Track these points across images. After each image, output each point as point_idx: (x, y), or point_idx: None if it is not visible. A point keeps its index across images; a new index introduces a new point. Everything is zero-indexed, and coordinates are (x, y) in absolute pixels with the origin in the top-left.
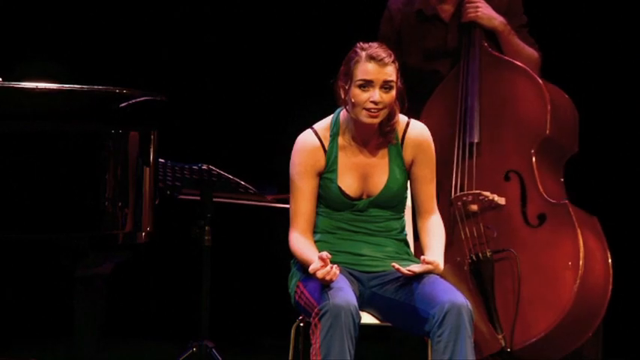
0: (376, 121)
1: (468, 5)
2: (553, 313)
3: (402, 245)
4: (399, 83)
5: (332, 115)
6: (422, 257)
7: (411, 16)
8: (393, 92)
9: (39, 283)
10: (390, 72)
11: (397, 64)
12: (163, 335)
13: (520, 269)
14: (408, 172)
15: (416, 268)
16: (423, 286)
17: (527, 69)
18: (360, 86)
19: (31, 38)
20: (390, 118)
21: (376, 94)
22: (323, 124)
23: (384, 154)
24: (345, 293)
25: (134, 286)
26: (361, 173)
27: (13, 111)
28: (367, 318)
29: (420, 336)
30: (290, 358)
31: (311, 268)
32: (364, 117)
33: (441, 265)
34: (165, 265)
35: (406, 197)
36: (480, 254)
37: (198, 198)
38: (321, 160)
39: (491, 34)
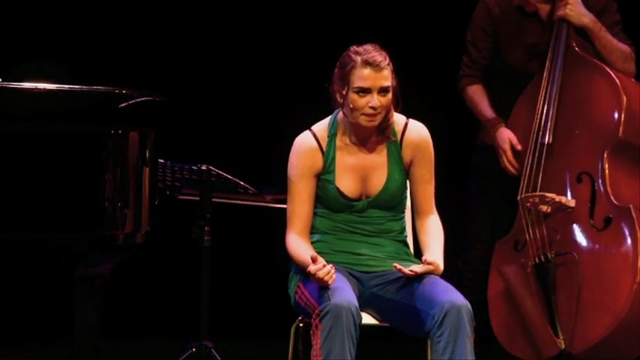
0: (375, 123)
1: (559, 3)
2: (610, 317)
3: (402, 246)
4: (393, 82)
5: (330, 117)
6: (423, 257)
7: (511, 11)
8: (390, 95)
9: (39, 283)
10: (387, 75)
11: (391, 66)
12: (163, 335)
13: (581, 272)
14: (407, 173)
15: (417, 268)
16: (423, 287)
17: (608, 68)
18: (358, 92)
19: (31, 38)
20: (386, 115)
21: (374, 99)
22: (321, 126)
23: (383, 154)
24: (345, 293)
25: (134, 286)
26: (360, 174)
27: (13, 111)
28: (366, 318)
29: (419, 336)
30: (290, 358)
31: (311, 269)
32: (363, 121)
33: (441, 266)
34: (165, 265)
35: (406, 197)
36: (543, 257)
37: (198, 198)
38: (318, 162)
39: (583, 32)
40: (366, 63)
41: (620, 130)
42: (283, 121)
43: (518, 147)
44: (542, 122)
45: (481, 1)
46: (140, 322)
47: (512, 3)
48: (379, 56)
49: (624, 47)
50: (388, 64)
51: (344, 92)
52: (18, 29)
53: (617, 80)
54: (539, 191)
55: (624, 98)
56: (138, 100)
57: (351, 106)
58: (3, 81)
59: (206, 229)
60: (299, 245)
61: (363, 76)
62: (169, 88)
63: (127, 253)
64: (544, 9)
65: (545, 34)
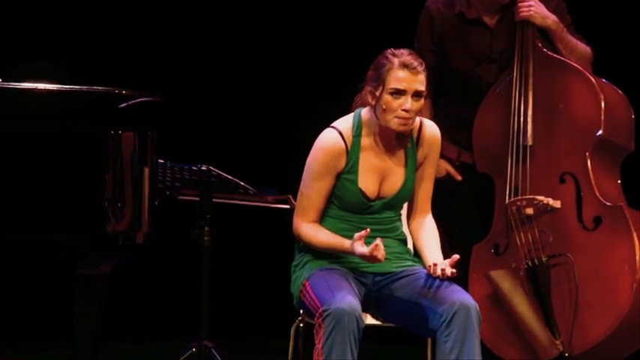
0: (407, 128)
1: (520, 4)
2: (611, 318)
3: (403, 245)
4: (426, 91)
5: (352, 116)
6: (454, 256)
7: (453, 18)
8: (422, 100)
9: (39, 283)
10: (422, 80)
11: (426, 72)
12: (163, 335)
13: (577, 274)
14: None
15: (449, 270)
16: (430, 286)
17: (580, 68)
18: (392, 94)
19: (31, 38)
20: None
21: (408, 102)
22: (346, 124)
23: (401, 155)
24: (348, 296)
25: (134, 287)
26: (379, 175)
27: (13, 111)
28: (370, 319)
29: (425, 336)
30: (289, 358)
31: (364, 251)
32: (395, 125)
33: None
34: (165, 265)
35: None
36: (536, 260)
37: (198, 199)
38: (342, 162)
39: (543, 33)
40: (403, 65)
41: (602, 128)
42: (284, 121)
43: (458, 178)
44: (521, 125)
45: (424, 10)
46: (140, 322)
47: (454, 10)
48: (416, 61)
49: (585, 48)
50: (424, 70)
51: (377, 93)
52: (18, 29)
53: (593, 79)
54: (527, 194)
55: (602, 96)
56: (138, 100)
57: (384, 107)
58: (3, 81)
59: (206, 229)
60: (321, 231)
61: (399, 78)
62: (169, 88)
63: (127, 253)
64: (491, 18)
65: (493, 41)
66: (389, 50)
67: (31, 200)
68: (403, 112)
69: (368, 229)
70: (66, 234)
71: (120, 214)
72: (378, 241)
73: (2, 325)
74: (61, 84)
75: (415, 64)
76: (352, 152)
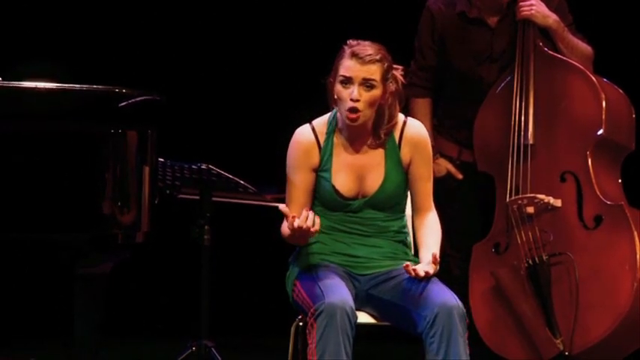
0: (355, 123)
1: (521, 4)
2: (611, 317)
3: (401, 246)
4: (392, 85)
5: (331, 112)
6: (433, 253)
7: (454, 18)
8: (376, 92)
9: (39, 283)
10: (372, 70)
11: (386, 64)
12: (163, 335)
13: (577, 272)
14: (406, 172)
15: (421, 270)
16: (416, 288)
17: (581, 67)
18: (342, 82)
19: (31, 38)
20: (385, 120)
21: (354, 91)
22: (321, 120)
23: (380, 154)
24: (340, 292)
25: (134, 286)
26: (357, 173)
27: (13, 111)
28: (365, 317)
29: (417, 336)
30: (289, 357)
31: (289, 227)
32: (345, 117)
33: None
34: (165, 264)
35: (405, 197)
36: (537, 258)
37: (198, 197)
38: (315, 157)
39: (544, 33)
40: (353, 54)
41: (603, 128)
42: (283, 119)
43: (459, 176)
44: (522, 124)
45: (425, 9)
46: (140, 322)
47: (455, 9)
48: (370, 50)
49: (585, 48)
50: (379, 61)
51: (333, 82)
52: (18, 29)
53: (594, 78)
54: (527, 193)
55: (603, 95)
56: (138, 99)
57: (336, 97)
58: (3, 80)
59: (206, 228)
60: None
61: (346, 66)
62: (169, 88)
63: (127, 252)
64: (492, 17)
65: (494, 40)
66: (348, 41)
67: (31, 200)
68: (351, 102)
69: (307, 209)
70: (66, 233)
71: (120, 213)
72: (310, 214)
73: (2, 325)
74: (61, 84)
75: (367, 53)
76: (325, 148)
